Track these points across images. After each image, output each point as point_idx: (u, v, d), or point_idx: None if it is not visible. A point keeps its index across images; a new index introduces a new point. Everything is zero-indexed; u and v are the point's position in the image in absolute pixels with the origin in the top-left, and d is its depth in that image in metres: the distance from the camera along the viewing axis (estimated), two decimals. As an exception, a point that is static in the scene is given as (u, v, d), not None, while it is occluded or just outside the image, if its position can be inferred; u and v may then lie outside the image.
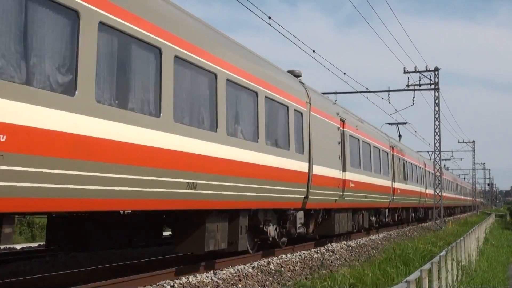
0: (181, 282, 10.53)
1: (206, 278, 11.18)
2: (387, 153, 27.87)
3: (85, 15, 8.12)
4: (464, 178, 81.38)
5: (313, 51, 22.86)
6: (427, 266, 9.67)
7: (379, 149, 25.85)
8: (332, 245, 19.16)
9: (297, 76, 17.72)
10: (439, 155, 37.84)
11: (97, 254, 15.52)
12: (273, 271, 13.21)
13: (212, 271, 12.06)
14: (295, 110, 15.76)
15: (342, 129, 20.29)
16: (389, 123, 44.55)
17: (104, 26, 8.53)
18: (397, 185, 29.22)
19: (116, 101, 8.82)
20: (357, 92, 36.79)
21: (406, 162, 33.16)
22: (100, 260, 14.73)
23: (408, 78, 37.42)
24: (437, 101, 37.02)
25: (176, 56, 10.29)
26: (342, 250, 18.68)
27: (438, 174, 38.12)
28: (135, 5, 9.30)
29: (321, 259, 16.24)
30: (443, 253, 11.72)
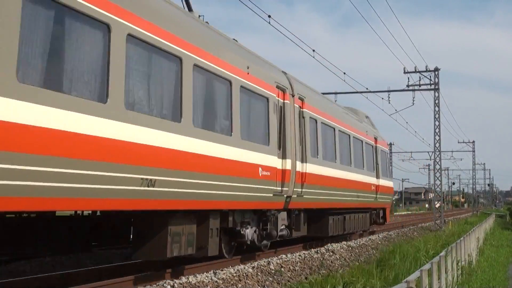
0: (181, 282, 10.53)
1: (206, 278, 11.18)
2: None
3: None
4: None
5: (313, 50, 22.89)
6: (427, 266, 9.66)
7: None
8: (332, 245, 19.16)
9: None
10: (439, 155, 37.82)
11: (97, 254, 15.52)
12: (273, 271, 13.21)
13: (212, 271, 12.06)
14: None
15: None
16: None
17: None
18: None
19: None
20: (357, 92, 36.80)
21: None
22: (100, 260, 14.74)
23: (408, 78, 37.46)
24: (437, 101, 37.02)
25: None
26: (342, 250, 18.68)
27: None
28: None
29: (321, 259, 16.24)
30: (443, 253, 11.71)
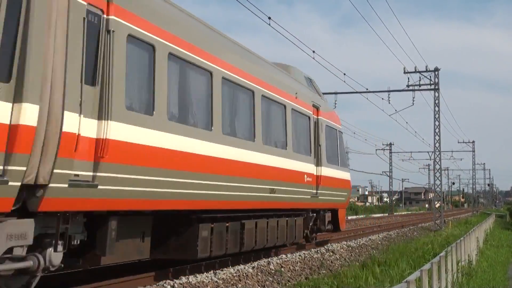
0: (181, 282, 10.54)
1: (206, 278, 11.18)
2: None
3: None
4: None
5: (313, 51, 22.88)
6: (427, 266, 9.66)
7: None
8: (332, 245, 19.18)
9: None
10: (439, 156, 37.84)
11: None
12: (273, 271, 13.22)
13: (212, 271, 12.06)
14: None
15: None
16: None
17: None
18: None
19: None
20: (357, 92, 36.84)
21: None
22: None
23: (408, 78, 37.46)
24: (437, 101, 37.04)
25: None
26: (342, 250, 18.69)
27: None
28: None
29: (321, 259, 16.24)
30: (443, 253, 11.71)
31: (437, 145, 37.86)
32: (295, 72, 18.74)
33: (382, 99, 38.20)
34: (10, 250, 7.22)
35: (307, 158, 17.11)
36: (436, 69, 37.13)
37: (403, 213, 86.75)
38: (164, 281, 10.60)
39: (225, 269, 12.49)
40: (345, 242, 21.11)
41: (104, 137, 8.34)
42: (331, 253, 17.56)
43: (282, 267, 13.80)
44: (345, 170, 21.15)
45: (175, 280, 10.71)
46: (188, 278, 10.89)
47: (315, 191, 17.51)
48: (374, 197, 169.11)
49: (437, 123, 37.41)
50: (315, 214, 18.84)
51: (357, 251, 19.73)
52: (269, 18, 17.73)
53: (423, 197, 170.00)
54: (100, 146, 8.30)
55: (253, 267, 12.93)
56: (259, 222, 14.39)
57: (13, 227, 7.20)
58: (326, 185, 18.31)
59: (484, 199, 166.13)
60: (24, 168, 7.04)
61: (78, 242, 8.56)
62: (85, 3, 8.13)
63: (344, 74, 29.59)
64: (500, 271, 17.36)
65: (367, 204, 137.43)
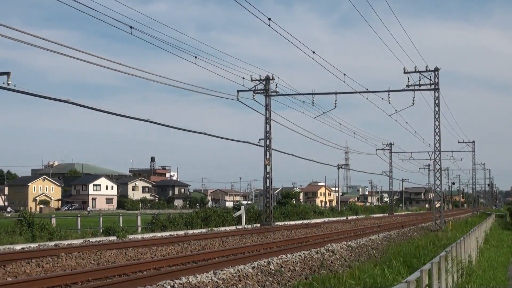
0: (181, 282, 10.54)
1: (206, 278, 11.19)
2: None
3: None
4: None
5: (313, 52, 22.90)
6: (427, 266, 9.65)
7: None
8: (332, 245, 19.17)
9: None
10: (439, 155, 37.82)
11: (96, 254, 15.54)
12: (273, 271, 13.21)
13: (212, 271, 12.06)
14: None
15: None
16: None
17: None
18: None
19: None
20: (356, 92, 36.78)
21: None
22: (101, 261, 14.72)
23: (408, 78, 37.35)
24: (437, 101, 37.02)
25: None
26: (342, 250, 18.69)
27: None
28: None
29: (321, 259, 16.24)
30: (443, 253, 11.70)
31: (437, 145, 37.83)
32: None
33: (382, 99, 38.06)
34: None
35: None
36: (436, 69, 37.08)
37: (403, 213, 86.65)
38: (164, 281, 10.60)
39: (225, 269, 12.49)
40: (345, 242, 21.10)
41: None
42: (331, 253, 17.56)
43: (282, 267, 13.79)
44: None
45: (175, 280, 10.72)
46: (188, 278, 10.89)
47: None
48: (374, 197, 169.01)
49: (437, 123, 37.40)
50: None
51: (357, 251, 19.72)
52: (269, 19, 17.77)
53: (423, 197, 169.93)
54: None
55: (253, 267, 12.93)
56: None
57: None
58: None
59: (484, 199, 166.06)
60: None
61: None
62: None
63: (344, 74, 29.59)
64: (500, 271, 17.36)
65: (367, 204, 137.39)
